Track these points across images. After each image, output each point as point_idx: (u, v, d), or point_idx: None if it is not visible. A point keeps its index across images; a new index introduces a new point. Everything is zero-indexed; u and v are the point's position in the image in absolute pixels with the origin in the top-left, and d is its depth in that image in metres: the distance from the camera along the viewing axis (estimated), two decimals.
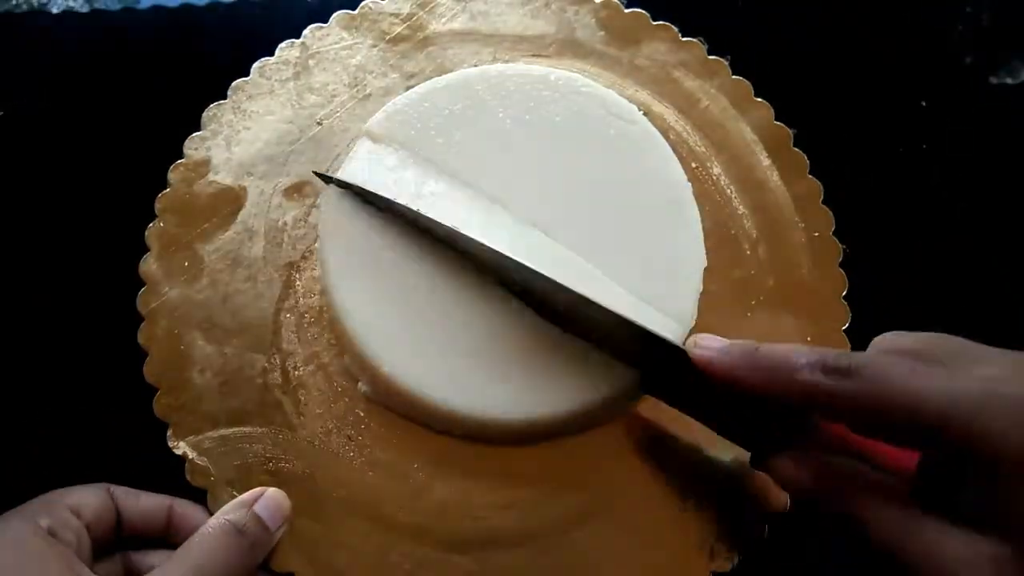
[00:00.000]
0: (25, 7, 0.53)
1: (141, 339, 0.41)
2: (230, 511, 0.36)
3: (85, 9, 0.54)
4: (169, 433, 0.39)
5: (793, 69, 0.53)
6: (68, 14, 0.53)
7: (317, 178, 0.44)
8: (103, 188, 0.47)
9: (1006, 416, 0.27)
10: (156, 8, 0.53)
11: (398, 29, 0.49)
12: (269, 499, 0.37)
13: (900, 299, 0.47)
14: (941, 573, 0.28)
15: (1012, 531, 0.27)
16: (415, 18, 0.49)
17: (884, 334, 0.32)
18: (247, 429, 0.39)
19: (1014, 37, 0.51)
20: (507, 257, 0.38)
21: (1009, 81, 0.52)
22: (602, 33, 0.49)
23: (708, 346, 0.35)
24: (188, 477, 0.38)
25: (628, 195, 0.43)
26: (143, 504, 0.36)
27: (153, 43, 0.52)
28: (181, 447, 0.39)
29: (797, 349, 0.32)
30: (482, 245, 0.39)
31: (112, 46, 0.52)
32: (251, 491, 0.37)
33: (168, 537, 0.37)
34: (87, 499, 0.35)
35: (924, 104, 0.52)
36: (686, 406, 0.38)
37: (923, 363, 0.29)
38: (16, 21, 0.53)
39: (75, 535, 0.34)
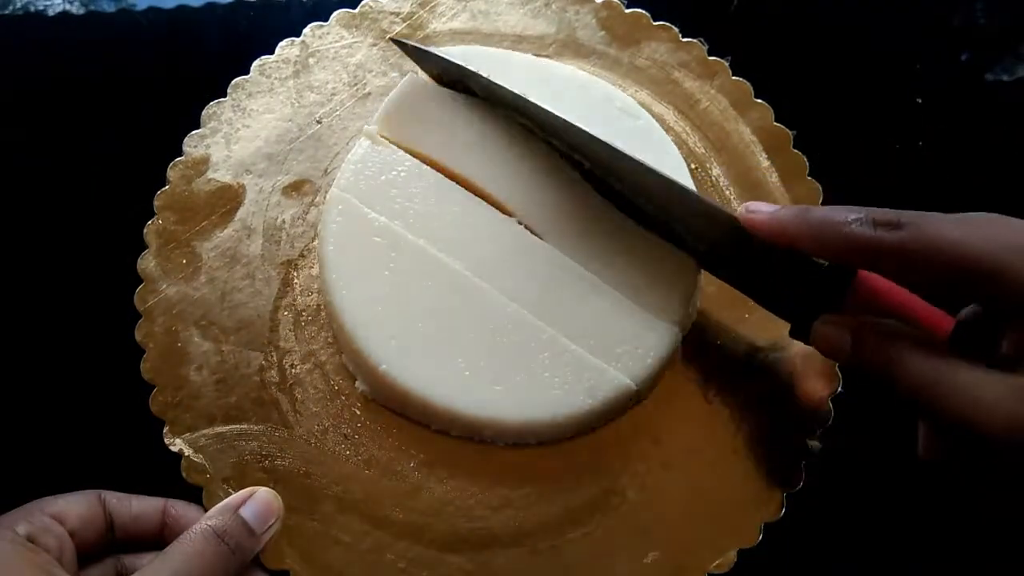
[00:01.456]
0: (21, 11, 0.53)
1: (138, 336, 0.41)
2: (214, 515, 0.35)
3: (81, 12, 0.54)
4: (165, 430, 0.39)
5: (793, 70, 0.53)
6: (64, 16, 0.53)
7: (317, 174, 0.45)
8: (103, 186, 0.47)
9: None
10: (152, 9, 0.53)
11: (398, 28, 0.49)
12: (257, 500, 0.37)
13: None
14: (970, 408, 0.29)
15: None
16: (415, 17, 0.49)
17: None
18: (243, 427, 0.39)
19: (1010, 34, 0.51)
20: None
21: (1005, 78, 0.52)
22: (602, 33, 0.49)
23: (758, 209, 0.36)
24: (184, 474, 0.38)
25: None
26: (136, 508, 0.36)
27: (151, 43, 0.52)
28: (177, 444, 0.39)
29: (846, 207, 0.33)
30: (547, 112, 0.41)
31: (109, 47, 0.52)
32: (240, 493, 0.37)
33: (164, 539, 0.37)
34: (72, 506, 0.35)
35: (920, 101, 0.52)
36: (736, 278, 0.40)
37: (966, 221, 0.31)
38: (13, 24, 0.53)
39: (57, 541, 0.34)
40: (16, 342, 0.44)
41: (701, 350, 0.42)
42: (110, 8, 0.54)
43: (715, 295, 0.43)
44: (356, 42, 0.48)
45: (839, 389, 0.41)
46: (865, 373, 0.33)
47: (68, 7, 0.54)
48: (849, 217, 0.32)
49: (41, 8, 0.54)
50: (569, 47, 0.49)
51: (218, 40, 0.53)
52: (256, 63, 0.47)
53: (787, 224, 0.35)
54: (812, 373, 0.42)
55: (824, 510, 0.41)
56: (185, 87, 0.48)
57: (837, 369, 0.42)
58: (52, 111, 0.50)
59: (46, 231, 0.47)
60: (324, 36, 0.48)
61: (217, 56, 0.51)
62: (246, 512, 0.36)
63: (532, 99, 0.41)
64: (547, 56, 0.48)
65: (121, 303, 0.42)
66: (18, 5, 0.54)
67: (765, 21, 0.54)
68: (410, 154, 0.43)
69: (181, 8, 0.53)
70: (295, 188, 0.45)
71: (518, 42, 0.49)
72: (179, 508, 0.37)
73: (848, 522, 0.43)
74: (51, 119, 0.50)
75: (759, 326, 0.43)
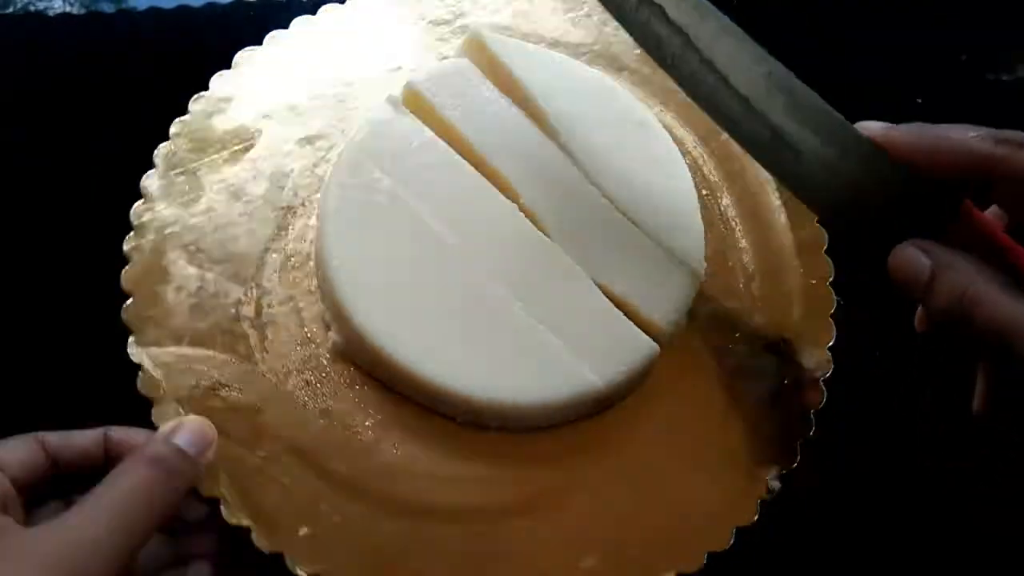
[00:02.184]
0: (21, 11, 0.54)
1: (126, 247, 0.41)
2: (148, 444, 0.34)
3: (81, 12, 0.54)
4: (131, 340, 0.39)
5: (792, 70, 0.52)
6: (64, 17, 0.54)
7: (334, 132, 0.45)
8: (103, 186, 0.47)
9: None
10: (153, 9, 0.54)
11: (439, 11, 0.50)
12: (188, 427, 0.35)
13: (888, 354, 0.46)
14: None
15: None
16: (459, 4, 0.50)
17: None
18: (208, 352, 0.39)
19: (1009, 34, 0.51)
20: None
21: (1005, 77, 0.52)
22: (638, 51, 0.50)
23: (868, 126, 0.34)
24: (138, 386, 0.38)
25: (637, 199, 0.44)
26: (77, 443, 0.35)
27: (151, 43, 0.53)
28: (138, 354, 0.38)
29: (964, 126, 0.33)
30: None
31: (110, 47, 0.53)
32: (168, 423, 0.35)
33: (109, 467, 0.36)
34: (10, 452, 0.34)
35: (920, 101, 0.52)
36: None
37: None
38: (13, 24, 0.54)
39: None
40: (16, 342, 0.44)
41: (680, 359, 0.42)
42: (110, 8, 0.54)
43: (704, 318, 0.43)
44: (400, 17, 0.49)
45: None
46: (935, 311, 0.32)
47: (68, 7, 0.54)
48: (971, 133, 0.32)
49: (41, 8, 0.54)
50: (602, 58, 0.49)
51: (219, 40, 0.53)
52: (297, 20, 0.48)
53: (901, 135, 0.33)
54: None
55: (823, 509, 0.41)
56: (185, 87, 0.47)
57: (821, 384, 0.41)
58: (52, 111, 0.50)
59: (46, 231, 0.46)
60: (368, 7, 0.49)
61: (217, 56, 0.51)
62: (180, 440, 0.35)
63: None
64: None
65: (120, 303, 0.40)
66: (18, 5, 0.54)
67: (765, 21, 0.55)
68: (428, 127, 0.44)
69: (181, 8, 0.53)
70: (310, 141, 0.45)
71: (554, 45, 0.49)
72: (118, 433, 0.36)
73: (848, 521, 0.42)
74: (51, 119, 0.49)
75: (741, 358, 0.42)
